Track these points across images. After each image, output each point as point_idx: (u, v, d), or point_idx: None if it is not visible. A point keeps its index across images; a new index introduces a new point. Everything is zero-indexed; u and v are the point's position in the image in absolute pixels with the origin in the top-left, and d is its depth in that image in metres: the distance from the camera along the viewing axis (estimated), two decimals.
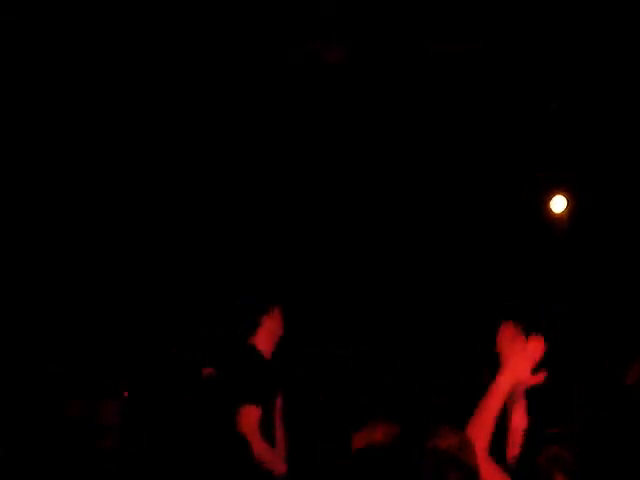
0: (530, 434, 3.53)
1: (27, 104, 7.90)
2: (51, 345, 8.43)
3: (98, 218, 8.74)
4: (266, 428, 5.72)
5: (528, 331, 3.45)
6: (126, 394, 8.10)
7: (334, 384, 8.99)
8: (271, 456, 5.73)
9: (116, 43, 7.88)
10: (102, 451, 7.76)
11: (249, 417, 5.62)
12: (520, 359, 3.34)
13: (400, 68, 8.55)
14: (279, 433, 5.94)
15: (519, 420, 3.62)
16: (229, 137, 8.94)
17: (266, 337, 6.02)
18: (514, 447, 3.50)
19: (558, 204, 9.29)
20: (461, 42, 8.29)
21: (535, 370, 3.39)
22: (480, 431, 3.22)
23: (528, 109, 8.80)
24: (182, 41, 8.15)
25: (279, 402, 6.01)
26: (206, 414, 6.48)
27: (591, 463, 3.27)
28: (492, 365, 3.43)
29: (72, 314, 8.59)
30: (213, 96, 8.63)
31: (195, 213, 9.01)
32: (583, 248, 9.26)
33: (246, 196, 9.15)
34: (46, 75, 7.79)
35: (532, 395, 3.71)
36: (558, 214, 9.31)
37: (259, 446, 5.63)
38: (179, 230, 8.97)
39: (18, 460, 7.39)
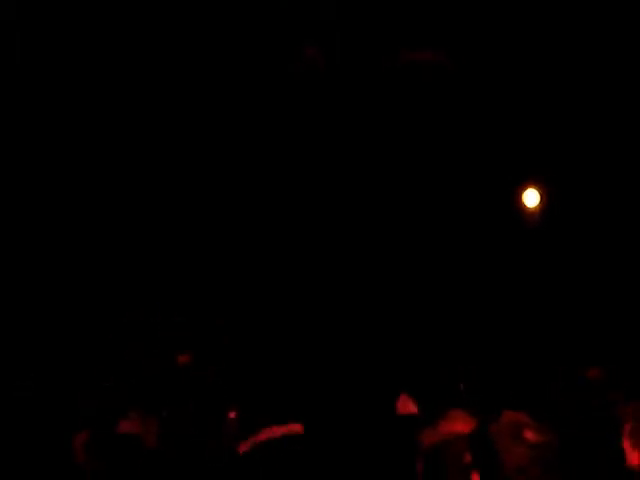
0: None
1: (27, 104, 7.93)
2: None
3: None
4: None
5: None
6: None
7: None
8: None
9: (117, 46, 7.93)
10: None
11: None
12: None
13: (379, 73, 8.66)
14: None
15: None
16: (221, 140, 9.00)
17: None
18: None
19: (530, 198, 9.37)
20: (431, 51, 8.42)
21: None
22: None
23: (501, 106, 8.88)
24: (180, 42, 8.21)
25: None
26: None
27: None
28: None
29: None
30: (208, 98, 8.69)
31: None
32: (555, 242, 9.33)
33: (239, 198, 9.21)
34: (46, 75, 7.81)
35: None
36: (530, 208, 9.39)
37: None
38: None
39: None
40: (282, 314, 9.13)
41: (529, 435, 2.95)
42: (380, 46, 8.51)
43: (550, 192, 9.31)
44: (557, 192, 9.24)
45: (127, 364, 8.49)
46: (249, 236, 9.13)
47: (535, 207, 9.35)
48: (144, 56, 8.22)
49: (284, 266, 9.14)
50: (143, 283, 8.83)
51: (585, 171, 9.02)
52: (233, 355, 8.89)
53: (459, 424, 3.25)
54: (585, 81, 8.61)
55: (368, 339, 9.17)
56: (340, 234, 9.26)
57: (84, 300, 8.67)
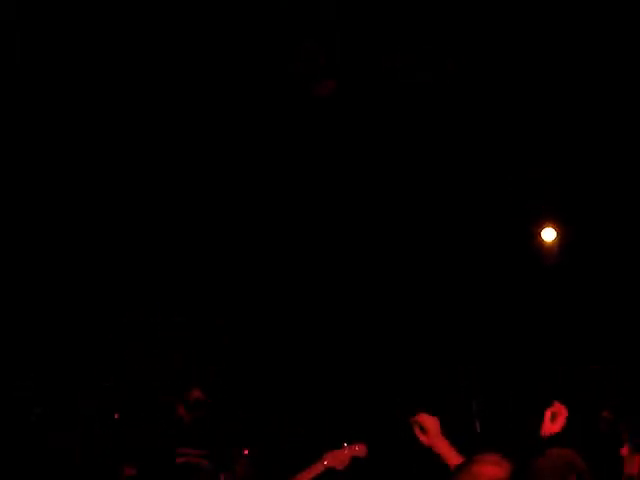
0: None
1: (27, 104, 7.92)
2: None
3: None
4: None
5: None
6: (117, 416, 8.06)
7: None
8: None
9: (116, 44, 7.92)
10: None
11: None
12: None
13: (387, 94, 8.67)
14: None
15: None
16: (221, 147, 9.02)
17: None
18: None
19: (548, 234, 9.40)
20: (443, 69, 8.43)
21: None
22: None
23: (519, 138, 8.88)
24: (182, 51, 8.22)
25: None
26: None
27: None
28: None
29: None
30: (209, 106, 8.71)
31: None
32: (572, 277, 9.34)
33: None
34: (46, 75, 7.80)
35: None
36: (548, 244, 9.41)
37: None
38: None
39: None
40: (282, 314, 9.14)
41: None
42: (380, 46, 8.51)
43: (568, 228, 9.34)
44: (574, 228, 9.27)
45: (127, 364, 8.51)
46: (249, 236, 9.13)
47: (553, 243, 9.37)
48: (144, 56, 8.21)
49: (284, 266, 9.15)
50: (143, 283, 8.84)
51: (602, 207, 9.03)
52: (233, 355, 8.91)
53: (493, 468, 3.25)
54: (605, 118, 8.58)
55: (371, 340, 9.18)
56: (341, 237, 9.27)
57: (84, 300, 8.68)
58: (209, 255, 9.03)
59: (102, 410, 7.99)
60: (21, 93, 7.78)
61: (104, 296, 8.73)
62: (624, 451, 4.57)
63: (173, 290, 8.91)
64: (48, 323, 8.48)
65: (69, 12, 7.43)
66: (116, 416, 7.87)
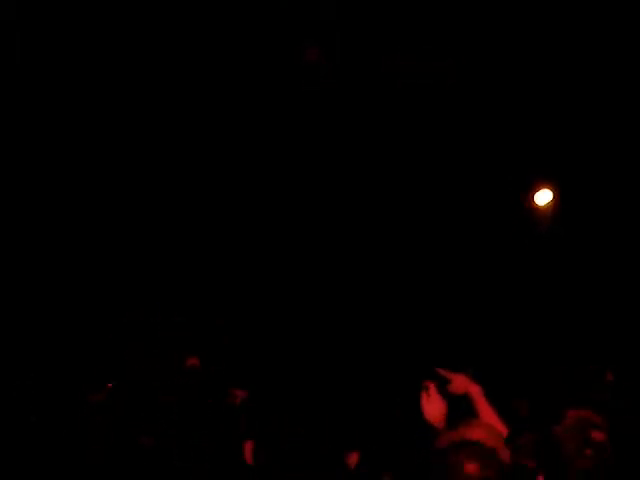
0: None
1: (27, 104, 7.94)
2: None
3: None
4: None
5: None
6: (110, 385, 8.06)
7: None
8: None
9: (117, 45, 7.95)
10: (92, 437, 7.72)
11: None
12: None
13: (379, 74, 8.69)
14: None
15: None
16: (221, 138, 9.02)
17: None
18: None
19: (542, 197, 9.33)
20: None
21: None
22: None
23: (512, 106, 8.88)
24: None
25: None
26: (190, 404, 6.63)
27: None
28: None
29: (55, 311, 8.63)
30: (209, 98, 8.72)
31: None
32: (567, 241, 9.32)
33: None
34: (46, 75, 7.82)
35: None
36: (542, 207, 9.35)
37: None
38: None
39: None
40: (282, 314, 9.16)
41: (597, 436, 2.97)
42: (380, 46, 8.53)
43: (562, 191, 9.27)
44: (569, 191, 9.21)
45: (127, 364, 8.52)
46: (248, 237, 9.15)
47: (547, 206, 9.31)
48: (144, 56, 8.23)
49: (284, 266, 9.17)
50: (143, 283, 8.85)
51: (597, 171, 9.00)
52: (233, 355, 8.92)
53: (478, 432, 3.27)
54: (594, 82, 8.59)
55: (369, 338, 9.19)
56: (340, 234, 9.28)
57: (84, 300, 8.69)
58: (209, 256, 9.04)
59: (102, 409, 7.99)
60: (21, 93, 7.81)
61: (104, 296, 8.74)
62: None
63: (173, 290, 8.92)
64: (48, 323, 8.50)
65: (69, 12, 7.46)
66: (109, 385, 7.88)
